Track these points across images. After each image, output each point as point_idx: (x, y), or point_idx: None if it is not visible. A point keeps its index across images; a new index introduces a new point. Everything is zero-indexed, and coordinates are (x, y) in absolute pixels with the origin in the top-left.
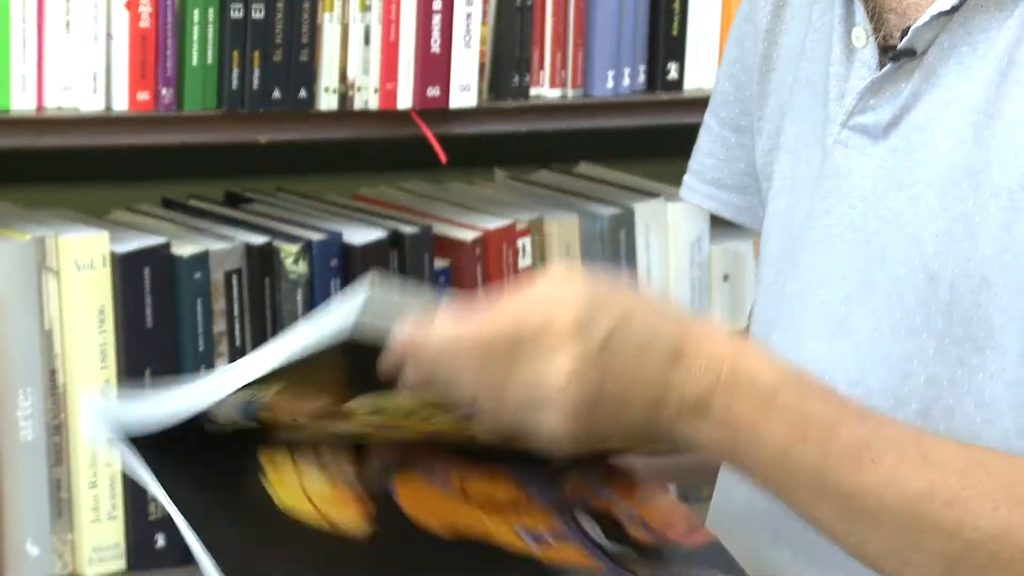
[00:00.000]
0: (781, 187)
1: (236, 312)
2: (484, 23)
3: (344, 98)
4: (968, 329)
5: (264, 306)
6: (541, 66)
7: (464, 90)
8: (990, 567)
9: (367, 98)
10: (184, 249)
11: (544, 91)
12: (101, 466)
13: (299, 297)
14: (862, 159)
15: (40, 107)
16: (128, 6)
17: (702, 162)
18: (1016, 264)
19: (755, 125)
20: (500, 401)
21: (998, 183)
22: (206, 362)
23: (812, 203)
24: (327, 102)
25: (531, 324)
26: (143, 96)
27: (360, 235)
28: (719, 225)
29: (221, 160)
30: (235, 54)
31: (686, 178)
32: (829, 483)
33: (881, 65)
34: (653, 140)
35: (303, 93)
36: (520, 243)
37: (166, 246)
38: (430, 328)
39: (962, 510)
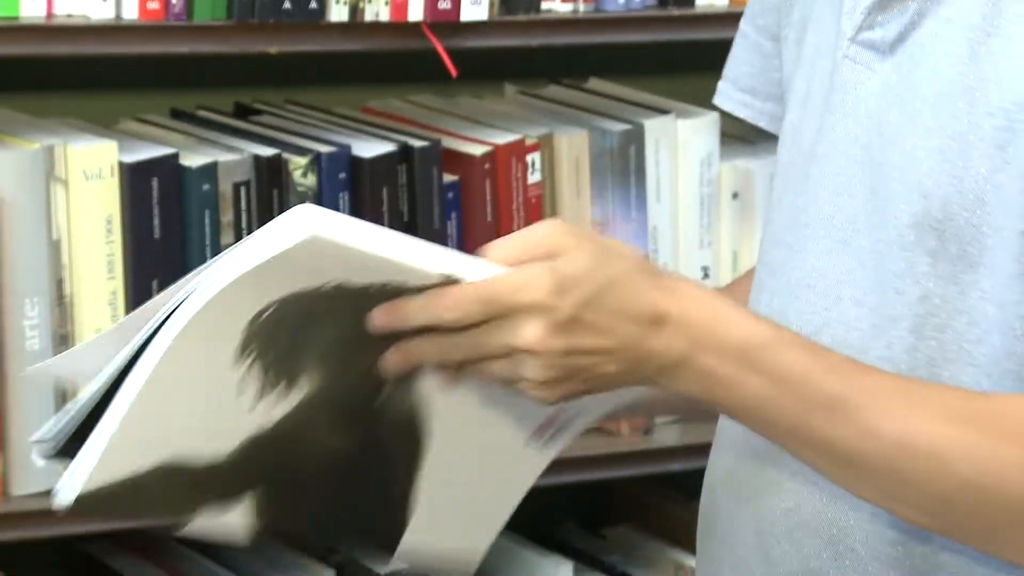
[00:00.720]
0: (797, 99)
1: (244, 224)
2: None
3: (355, 10)
4: (961, 247)
5: (272, 218)
6: None
7: (475, 3)
8: (981, 506)
9: (378, 10)
10: (193, 160)
11: (556, 5)
12: None
13: None
14: (868, 74)
15: (49, 14)
16: None
17: (737, 69)
18: (1010, 184)
19: (782, 32)
20: (480, 357)
21: (993, 102)
22: None
23: (822, 117)
24: (338, 13)
25: (505, 289)
26: (153, 5)
27: (369, 148)
28: (729, 142)
29: (230, 71)
30: None
31: (721, 84)
32: (807, 433)
33: None
34: (664, 56)
35: (314, 4)
36: (529, 158)
37: (175, 156)
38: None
39: (941, 457)
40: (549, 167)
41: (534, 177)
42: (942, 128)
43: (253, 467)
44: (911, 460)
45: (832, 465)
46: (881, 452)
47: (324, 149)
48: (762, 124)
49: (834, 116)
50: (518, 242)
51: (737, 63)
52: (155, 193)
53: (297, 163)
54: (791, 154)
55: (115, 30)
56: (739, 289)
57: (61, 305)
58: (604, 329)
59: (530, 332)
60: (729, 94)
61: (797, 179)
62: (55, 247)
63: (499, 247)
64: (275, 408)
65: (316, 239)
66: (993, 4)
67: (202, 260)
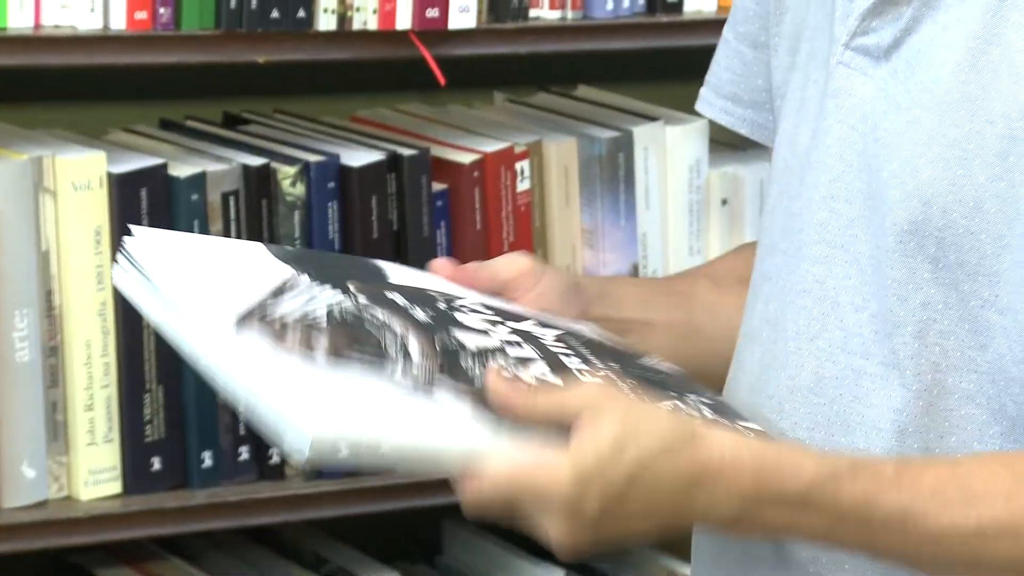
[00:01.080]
0: (792, 106)
1: (233, 233)
2: None
3: (343, 18)
4: (960, 255)
5: (261, 228)
6: None
7: (463, 11)
8: None
9: (366, 18)
10: (181, 170)
11: (543, 12)
12: (97, 388)
13: (296, 219)
14: (863, 80)
15: (37, 25)
16: None
17: (719, 76)
18: (1011, 193)
19: (772, 41)
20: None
21: (995, 110)
22: None
23: (816, 123)
24: (326, 22)
25: (525, 488)
26: (141, 15)
27: (358, 157)
28: (718, 149)
29: (219, 80)
30: None
31: (702, 91)
32: (880, 549)
33: None
34: (652, 63)
35: (302, 13)
36: (518, 166)
37: (163, 167)
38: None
39: (1016, 532)
40: (538, 175)
41: (523, 185)
42: (942, 136)
43: None
44: (988, 545)
45: (910, 568)
46: (958, 549)
47: (313, 158)
48: (743, 131)
49: (828, 121)
50: (551, 405)
51: (719, 69)
52: (144, 203)
53: (286, 172)
54: (786, 160)
55: (103, 40)
56: (722, 267)
57: (50, 316)
58: (634, 514)
59: (555, 530)
60: (710, 101)
61: (792, 185)
62: (44, 258)
63: (533, 406)
64: None
65: (319, 441)
66: (993, 13)
67: None
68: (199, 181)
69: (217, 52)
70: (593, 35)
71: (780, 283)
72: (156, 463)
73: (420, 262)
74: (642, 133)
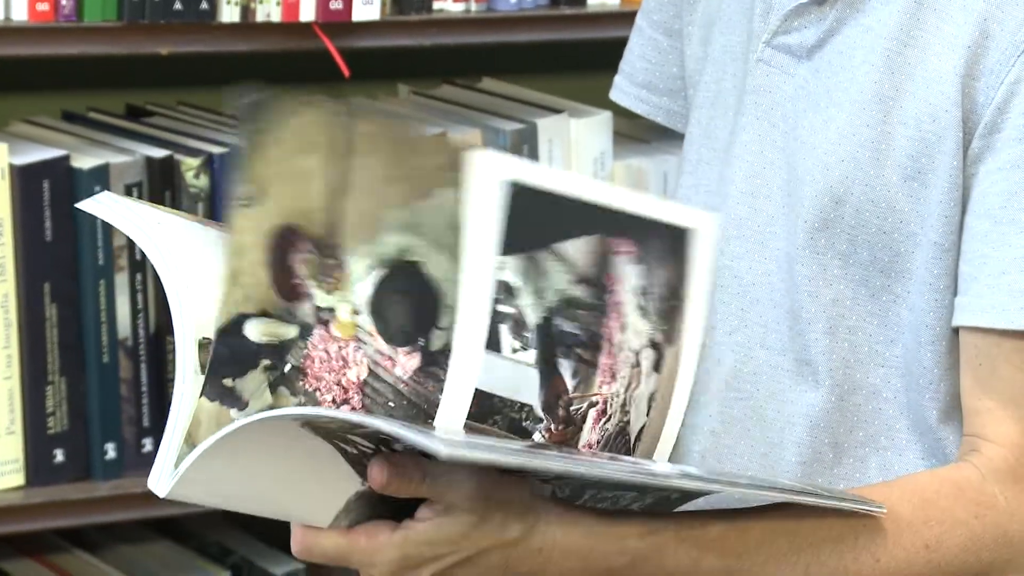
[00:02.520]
0: (705, 98)
1: None
2: None
3: (246, 10)
4: (872, 253)
5: None
6: None
7: (367, 3)
8: None
9: (269, 10)
10: (84, 162)
11: (447, 5)
12: (0, 380)
13: (200, 211)
14: (784, 78)
15: None
16: None
17: (633, 64)
18: (924, 194)
19: (686, 30)
20: None
21: (908, 112)
22: (106, 276)
23: (735, 119)
24: (229, 14)
25: (357, 554)
26: (43, 7)
27: None
28: (622, 142)
29: (122, 72)
30: None
31: (616, 79)
32: None
33: None
34: (557, 55)
35: (204, 4)
36: None
37: (66, 159)
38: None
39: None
40: None
41: None
42: (855, 135)
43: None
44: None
45: None
46: None
47: (216, 150)
48: (659, 119)
49: (747, 117)
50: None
51: (632, 58)
52: (46, 195)
53: (189, 164)
54: (700, 153)
55: (4, 32)
56: None
57: None
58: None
59: None
60: (625, 89)
61: (710, 179)
62: None
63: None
64: None
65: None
66: (911, 15)
67: (94, 262)
68: (102, 173)
69: (119, 44)
70: (497, 28)
71: None
72: (59, 455)
73: None
74: (547, 125)
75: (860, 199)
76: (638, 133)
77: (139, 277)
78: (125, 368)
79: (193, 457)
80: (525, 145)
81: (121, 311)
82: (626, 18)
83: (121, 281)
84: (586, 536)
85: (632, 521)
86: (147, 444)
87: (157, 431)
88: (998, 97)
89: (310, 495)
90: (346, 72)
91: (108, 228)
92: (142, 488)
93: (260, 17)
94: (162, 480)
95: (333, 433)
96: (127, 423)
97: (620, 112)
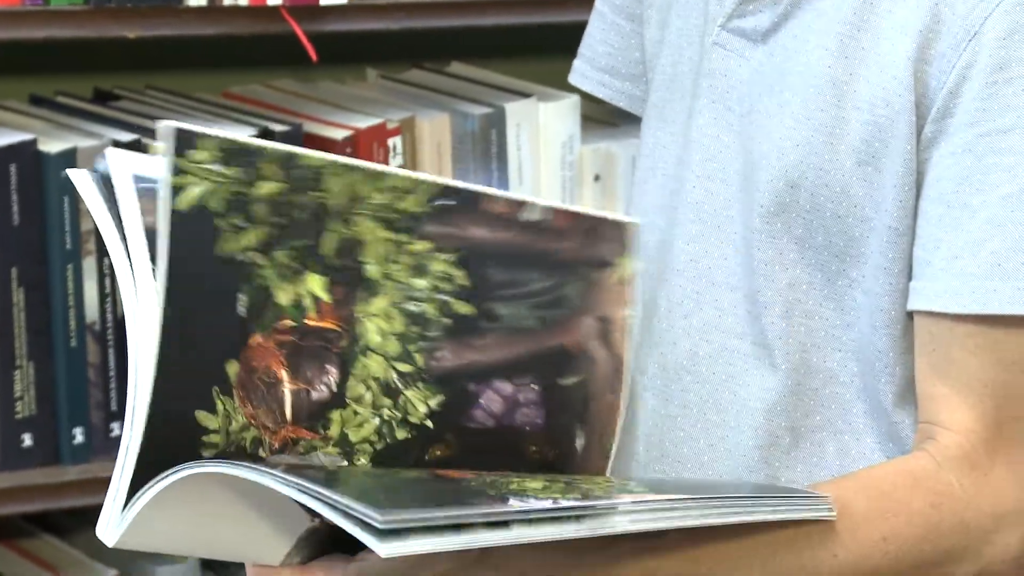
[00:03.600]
0: (662, 81)
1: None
2: None
3: None
4: (828, 237)
5: None
6: None
7: None
8: None
9: None
10: (52, 146)
11: None
12: None
13: None
14: (740, 62)
15: None
16: None
17: (594, 49)
18: (878, 179)
19: (645, 13)
20: None
21: (861, 96)
22: (74, 260)
23: (692, 102)
24: None
25: None
26: None
27: (230, 133)
28: (590, 125)
29: (89, 56)
30: None
31: (576, 63)
32: None
33: None
34: (525, 39)
35: None
36: (391, 142)
37: (33, 143)
38: None
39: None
40: (411, 151)
41: (396, 161)
42: (808, 119)
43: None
44: None
45: None
46: None
47: None
48: (622, 104)
49: (702, 101)
50: None
51: (593, 42)
52: (14, 179)
53: (157, 148)
54: (657, 137)
55: None
56: None
57: None
58: None
59: None
60: (586, 73)
61: (667, 163)
62: None
63: None
64: None
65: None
66: None
67: (62, 246)
68: (70, 157)
69: (87, 27)
70: (465, 11)
71: (656, 263)
72: (27, 439)
73: None
74: (515, 109)
75: (814, 183)
76: (606, 117)
77: (107, 261)
78: (93, 352)
79: (134, 511)
80: (494, 129)
81: (89, 295)
82: (594, 2)
83: (89, 265)
84: (543, 552)
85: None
86: (115, 428)
87: (125, 415)
88: (950, 82)
89: (259, 534)
90: (314, 56)
91: (75, 212)
92: (110, 472)
93: (228, 1)
94: (109, 527)
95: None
96: (95, 407)
97: (588, 96)
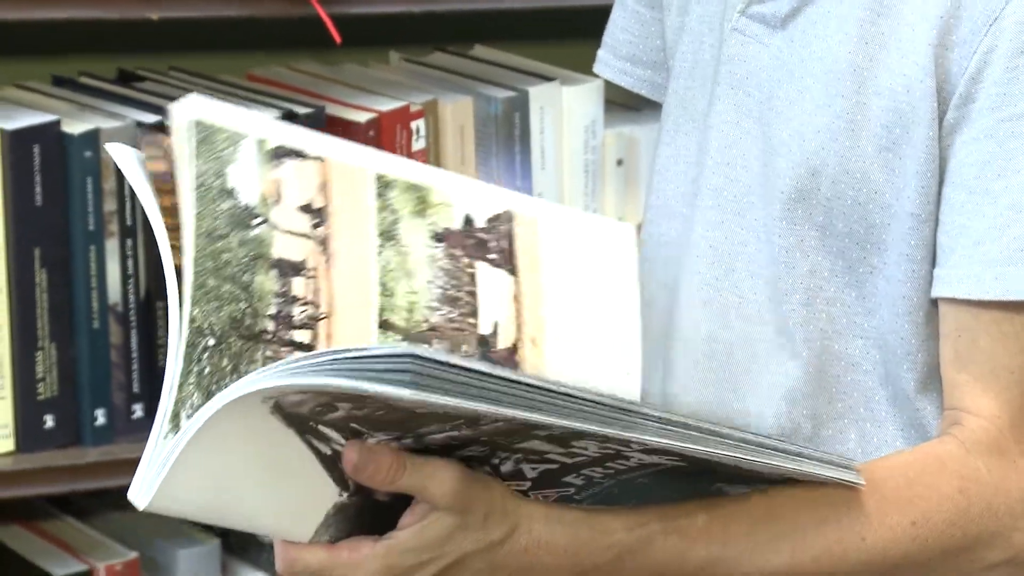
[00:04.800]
0: (682, 67)
1: (127, 191)
2: None
3: None
4: (849, 224)
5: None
6: None
7: None
8: None
9: None
10: (75, 127)
11: None
12: None
13: None
14: (759, 48)
15: None
16: None
17: (616, 37)
18: (899, 165)
19: (665, 0)
20: None
21: (882, 83)
22: (96, 241)
23: (712, 88)
24: None
25: (339, 567)
26: None
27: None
28: (613, 109)
29: (113, 37)
30: None
31: (600, 52)
32: None
33: None
34: (549, 23)
35: None
36: (414, 125)
37: (56, 124)
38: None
39: (829, 559)
40: (434, 134)
41: (419, 144)
42: (829, 106)
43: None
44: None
45: None
46: None
47: None
48: (643, 92)
49: (722, 87)
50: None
51: (616, 31)
52: (36, 160)
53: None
54: (678, 123)
55: None
56: None
57: None
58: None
59: None
60: (608, 62)
61: (688, 149)
62: None
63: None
64: None
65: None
66: None
67: (84, 227)
68: (92, 138)
69: (111, 8)
70: None
71: (677, 249)
72: (49, 420)
73: None
74: (538, 93)
75: (835, 170)
76: (629, 101)
77: (129, 242)
78: (115, 334)
79: (174, 454)
80: (517, 113)
81: (112, 276)
82: None
83: (112, 246)
84: (571, 533)
85: (617, 515)
86: (137, 410)
87: (147, 397)
88: (971, 67)
89: (289, 506)
90: (337, 39)
91: (98, 193)
92: (132, 454)
93: None
94: (145, 484)
95: (305, 423)
96: (117, 389)
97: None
